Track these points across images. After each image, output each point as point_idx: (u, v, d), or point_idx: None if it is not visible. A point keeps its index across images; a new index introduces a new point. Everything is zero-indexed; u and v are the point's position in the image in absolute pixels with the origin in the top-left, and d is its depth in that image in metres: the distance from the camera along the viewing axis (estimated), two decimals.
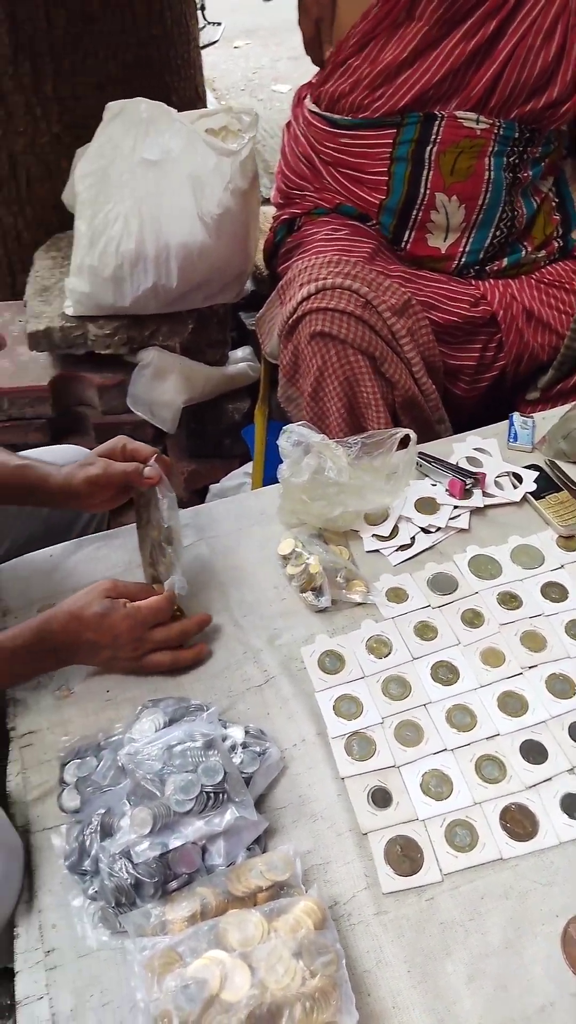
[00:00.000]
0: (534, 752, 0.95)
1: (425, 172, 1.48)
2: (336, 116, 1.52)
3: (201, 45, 2.23)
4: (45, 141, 1.88)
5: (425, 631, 1.09)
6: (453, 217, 1.51)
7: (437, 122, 1.44)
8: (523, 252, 1.59)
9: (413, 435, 1.23)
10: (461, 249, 1.55)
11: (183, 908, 0.80)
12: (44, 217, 1.98)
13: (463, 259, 1.56)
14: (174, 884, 0.83)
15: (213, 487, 1.87)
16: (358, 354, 1.41)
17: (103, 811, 0.87)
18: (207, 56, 2.28)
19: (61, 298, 1.76)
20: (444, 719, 0.99)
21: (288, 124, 1.68)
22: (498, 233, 1.54)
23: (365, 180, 1.53)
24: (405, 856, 0.88)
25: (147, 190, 1.60)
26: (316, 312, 1.41)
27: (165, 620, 1.05)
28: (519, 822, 0.90)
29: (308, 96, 1.59)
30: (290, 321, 1.46)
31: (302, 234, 1.62)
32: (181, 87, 2.06)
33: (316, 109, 1.56)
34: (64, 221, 1.92)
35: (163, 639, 1.04)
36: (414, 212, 1.52)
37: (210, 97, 3.81)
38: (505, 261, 1.58)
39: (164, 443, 1.92)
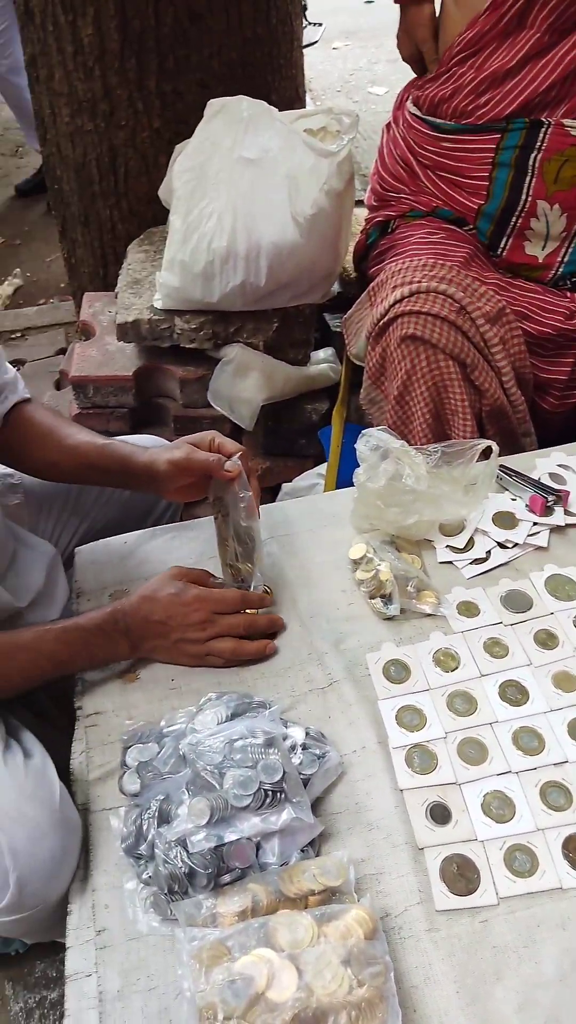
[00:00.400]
0: None
1: (528, 179, 1.45)
2: (439, 120, 1.50)
3: (302, 45, 2.24)
4: (145, 136, 1.92)
5: (495, 648, 1.06)
6: (554, 226, 1.48)
7: (543, 129, 1.41)
8: None
9: (495, 447, 1.20)
10: (559, 259, 1.51)
11: (234, 903, 0.80)
12: (139, 211, 2.02)
13: (560, 269, 1.52)
14: (227, 877, 0.83)
15: (285, 486, 1.88)
16: (449, 360, 1.39)
17: (162, 797, 0.88)
18: (305, 56, 2.28)
19: (151, 291, 1.79)
20: (510, 740, 0.96)
21: (388, 125, 1.67)
22: None
23: (464, 184, 1.51)
24: (461, 875, 0.86)
25: (243, 188, 1.61)
26: (408, 315, 1.40)
27: (234, 610, 1.07)
28: None
29: (409, 99, 1.58)
30: (380, 323, 1.45)
31: (396, 236, 1.61)
32: (282, 86, 2.07)
33: (418, 112, 1.54)
34: (158, 216, 1.95)
35: (230, 625, 1.05)
36: (513, 219, 1.49)
37: (307, 98, 3.83)
38: None
39: (241, 439, 1.94)
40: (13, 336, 2.78)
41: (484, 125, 1.45)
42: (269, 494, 1.92)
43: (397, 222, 1.63)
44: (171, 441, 1.19)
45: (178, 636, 1.04)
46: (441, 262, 1.43)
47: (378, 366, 1.51)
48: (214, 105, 1.65)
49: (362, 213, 2.01)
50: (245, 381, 1.75)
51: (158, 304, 1.74)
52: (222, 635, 1.05)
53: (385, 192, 1.65)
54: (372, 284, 1.56)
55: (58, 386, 2.45)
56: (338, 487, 1.70)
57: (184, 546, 1.24)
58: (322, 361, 1.91)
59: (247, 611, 1.09)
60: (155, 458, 1.12)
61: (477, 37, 1.40)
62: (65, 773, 0.98)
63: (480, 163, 1.48)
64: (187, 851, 0.83)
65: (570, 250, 1.50)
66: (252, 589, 1.09)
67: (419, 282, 1.39)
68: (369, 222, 1.70)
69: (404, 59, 1.58)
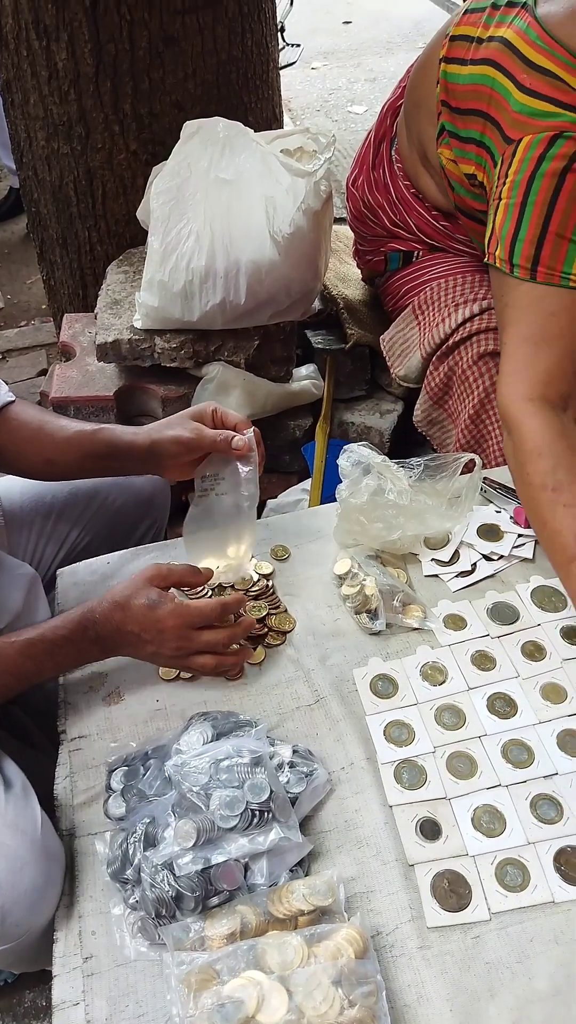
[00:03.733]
0: None
1: None
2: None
3: (279, 66, 2.27)
4: (122, 158, 1.93)
5: (483, 661, 1.06)
6: None
7: None
8: None
9: (479, 460, 1.21)
10: None
11: (223, 925, 0.79)
12: (117, 232, 2.03)
13: None
14: (215, 900, 0.82)
15: (270, 502, 1.87)
16: None
17: (148, 820, 0.87)
18: (284, 77, 2.30)
19: (131, 311, 1.79)
20: (499, 753, 0.96)
21: (369, 150, 1.66)
22: None
23: None
24: (452, 891, 0.85)
25: (220, 208, 1.62)
26: (485, 332, 1.39)
27: (214, 623, 1.01)
28: (574, 865, 0.86)
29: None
30: (449, 342, 1.44)
31: (422, 264, 1.60)
32: (259, 107, 2.09)
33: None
34: (136, 236, 1.96)
35: (209, 642, 1.00)
36: None
37: (286, 117, 3.87)
38: None
39: None
40: None
41: None
42: None
43: (421, 252, 1.62)
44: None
45: (153, 650, 0.99)
46: None
47: (443, 385, 1.50)
48: (190, 127, 1.67)
49: (342, 230, 2.03)
50: (227, 399, 1.75)
51: (138, 324, 1.74)
52: (201, 650, 1.00)
53: (364, 212, 1.66)
54: (414, 304, 1.56)
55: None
56: (323, 502, 1.70)
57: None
58: (304, 378, 1.91)
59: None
60: (157, 438, 1.09)
61: None
62: (50, 798, 0.97)
63: None
64: (174, 874, 0.81)
65: None
66: (242, 570, 1.05)
67: (485, 298, 1.39)
68: (382, 243, 1.68)
69: None
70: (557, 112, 1.12)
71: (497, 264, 1.18)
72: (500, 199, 1.17)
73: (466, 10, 1.31)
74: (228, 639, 1.02)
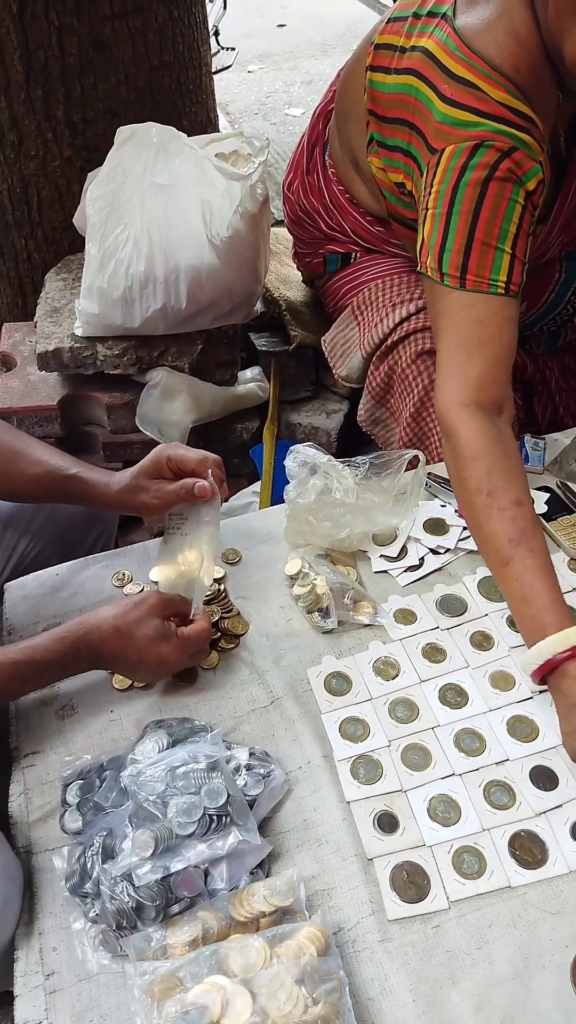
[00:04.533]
0: (544, 778, 0.94)
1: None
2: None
3: (215, 70, 2.27)
4: (56, 165, 1.91)
5: (434, 653, 1.08)
6: None
7: None
8: None
9: (423, 456, 1.22)
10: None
11: (184, 932, 0.79)
12: (55, 239, 2.01)
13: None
14: (176, 908, 0.82)
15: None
16: None
17: (105, 833, 0.86)
18: (220, 80, 2.31)
19: (71, 319, 1.77)
20: (452, 743, 0.97)
21: (303, 154, 1.67)
22: None
23: None
24: (411, 883, 0.86)
25: (157, 213, 1.61)
26: (422, 331, 1.40)
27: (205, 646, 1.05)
28: (528, 849, 0.88)
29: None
30: (387, 341, 1.45)
31: (361, 265, 1.61)
32: (193, 112, 2.08)
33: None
34: (74, 243, 1.94)
35: (194, 660, 1.05)
36: None
37: (223, 121, 3.87)
38: None
39: None
40: None
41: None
42: None
43: (359, 254, 1.63)
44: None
45: (145, 675, 1.03)
46: None
47: (384, 384, 1.51)
48: (123, 132, 1.66)
49: (281, 232, 2.04)
50: (173, 404, 1.75)
51: (79, 331, 1.73)
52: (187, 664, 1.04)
53: (301, 216, 1.67)
54: (353, 305, 1.57)
55: None
56: (273, 504, 1.70)
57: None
58: (250, 380, 1.91)
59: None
60: (126, 501, 1.11)
61: None
62: (4, 816, 0.95)
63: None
64: (133, 885, 0.81)
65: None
66: (194, 607, 1.06)
67: (421, 298, 1.39)
68: (320, 245, 1.69)
69: None
70: (478, 122, 1.14)
71: (428, 273, 1.19)
72: (427, 208, 1.19)
73: (389, 18, 1.32)
74: (205, 654, 1.06)
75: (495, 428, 1.11)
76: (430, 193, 1.18)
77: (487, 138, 1.13)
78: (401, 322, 1.44)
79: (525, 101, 1.14)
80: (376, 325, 1.49)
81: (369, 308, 1.52)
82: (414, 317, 1.43)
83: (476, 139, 1.13)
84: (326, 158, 1.61)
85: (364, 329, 1.53)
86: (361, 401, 1.62)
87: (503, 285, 1.15)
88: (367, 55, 1.34)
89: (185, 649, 1.00)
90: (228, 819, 0.85)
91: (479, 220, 1.14)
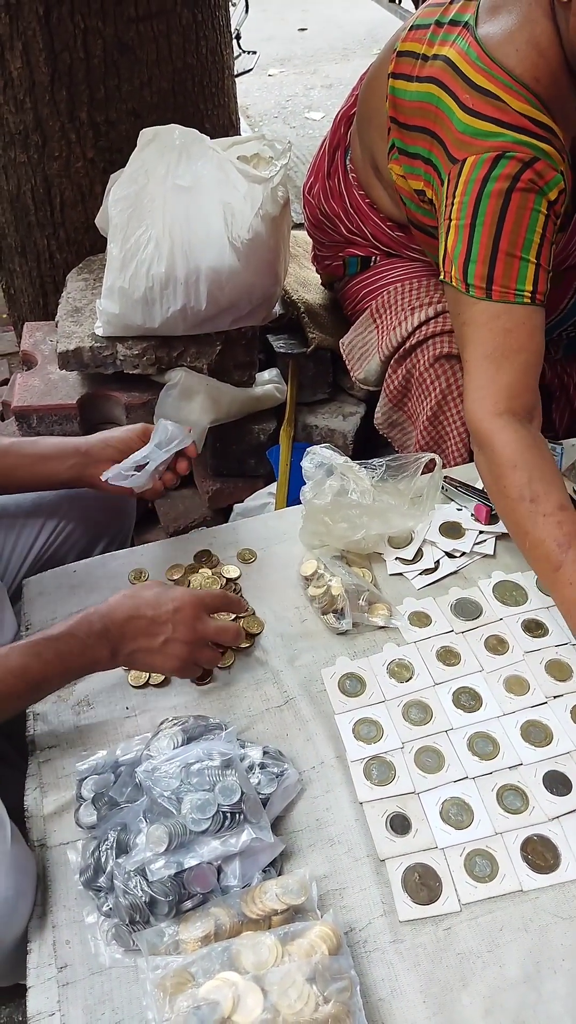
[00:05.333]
0: (558, 783, 0.93)
1: None
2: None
3: (236, 73, 2.28)
4: (79, 166, 1.92)
5: (448, 656, 1.08)
6: None
7: None
8: None
9: (439, 459, 1.23)
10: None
11: (197, 928, 0.80)
12: (77, 240, 2.02)
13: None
14: (188, 903, 0.82)
15: (237, 506, 1.88)
16: None
17: (119, 828, 0.87)
18: (241, 83, 2.32)
19: (92, 319, 1.78)
20: (466, 746, 0.97)
21: (325, 158, 1.68)
22: None
23: None
24: (423, 884, 0.86)
25: (179, 215, 1.62)
26: (441, 335, 1.41)
27: (224, 609, 1.05)
28: (541, 854, 0.88)
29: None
30: (406, 345, 1.45)
31: (380, 269, 1.62)
32: (215, 114, 2.09)
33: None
34: (96, 244, 1.95)
35: (220, 629, 1.01)
36: None
37: (243, 124, 3.88)
38: None
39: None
40: None
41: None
42: (221, 515, 1.93)
43: (378, 257, 1.64)
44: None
45: (168, 634, 0.97)
46: None
47: (402, 388, 1.51)
48: (146, 134, 1.67)
49: (301, 235, 2.04)
50: (191, 404, 1.75)
51: (99, 331, 1.74)
52: (210, 640, 1.01)
53: (322, 220, 1.68)
54: (372, 308, 1.58)
55: (1, 417, 2.42)
56: (289, 505, 1.71)
57: None
58: (267, 382, 1.92)
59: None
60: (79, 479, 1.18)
61: None
62: (20, 810, 0.96)
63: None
64: (147, 880, 0.81)
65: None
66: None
67: (440, 302, 1.39)
68: (340, 249, 1.69)
69: None
70: (499, 132, 1.14)
71: (453, 283, 1.20)
72: (451, 219, 1.19)
73: (412, 25, 1.33)
74: (236, 635, 1.04)
75: (530, 435, 1.12)
76: (452, 204, 1.19)
77: (508, 149, 1.13)
78: (420, 326, 1.45)
79: (546, 112, 1.14)
80: (395, 328, 1.49)
81: (388, 311, 1.52)
82: (433, 321, 1.44)
83: (497, 150, 1.13)
84: (347, 162, 1.61)
85: (383, 332, 1.54)
86: (378, 404, 1.62)
87: (529, 295, 1.15)
88: (389, 62, 1.34)
89: (196, 594, 1.00)
90: (242, 816, 0.85)
91: (503, 231, 1.14)
